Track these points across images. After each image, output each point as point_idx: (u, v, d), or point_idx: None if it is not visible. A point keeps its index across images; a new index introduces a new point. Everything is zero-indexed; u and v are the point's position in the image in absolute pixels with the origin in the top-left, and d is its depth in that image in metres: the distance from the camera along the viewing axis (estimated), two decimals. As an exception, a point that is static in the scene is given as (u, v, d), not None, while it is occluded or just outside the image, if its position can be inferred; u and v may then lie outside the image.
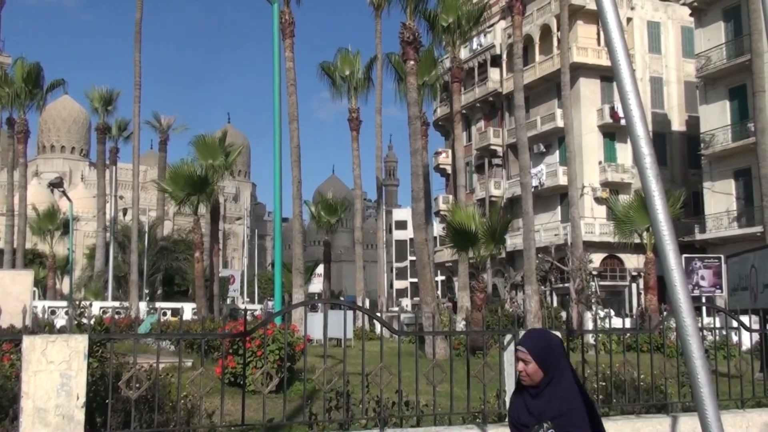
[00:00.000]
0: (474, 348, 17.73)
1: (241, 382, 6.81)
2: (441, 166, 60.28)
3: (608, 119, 46.93)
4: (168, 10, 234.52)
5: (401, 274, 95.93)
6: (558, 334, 7.20)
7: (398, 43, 26.25)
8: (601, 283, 44.99)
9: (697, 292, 27.65)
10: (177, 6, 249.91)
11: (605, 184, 47.33)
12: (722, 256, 28.57)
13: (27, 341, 5.31)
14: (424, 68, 32.96)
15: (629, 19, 49.40)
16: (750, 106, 35.80)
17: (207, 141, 33.58)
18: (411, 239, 59.78)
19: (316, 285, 53.85)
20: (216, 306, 34.15)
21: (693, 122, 45.98)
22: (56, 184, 42.74)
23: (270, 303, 45.92)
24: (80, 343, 5.39)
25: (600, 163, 48.00)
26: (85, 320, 8.97)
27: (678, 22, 49.89)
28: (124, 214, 61.54)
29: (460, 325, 25.58)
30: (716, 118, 40.91)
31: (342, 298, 69.28)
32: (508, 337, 7.16)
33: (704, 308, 23.54)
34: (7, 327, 12.11)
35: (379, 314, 8.03)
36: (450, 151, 47.73)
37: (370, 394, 6.84)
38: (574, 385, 3.47)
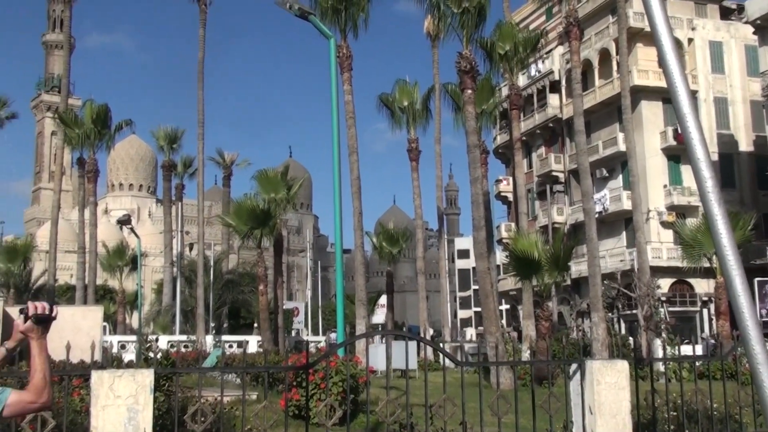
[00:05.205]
0: (539, 378, 17.44)
1: (305, 415, 6.81)
2: (502, 194, 59.88)
3: (672, 141, 46.07)
4: (228, 47, 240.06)
5: (465, 304, 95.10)
6: (626, 362, 7.04)
7: (455, 72, 26.31)
8: (671, 309, 43.85)
9: (771, 317, 26.76)
10: (237, 43, 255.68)
11: (671, 208, 46.34)
12: (797, 279, 27.63)
13: (95, 376, 5.42)
14: (482, 96, 32.93)
15: (690, 40, 48.62)
16: (821, 124, 34.76)
17: (269, 175, 34.08)
18: (474, 268, 59.40)
19: (379, 316, 53.78)
20: (281, 338, 34.37)
21: (761, 142, 44.80)
22: (124, 222, 43.71)
23: (333, 335, 46.04)
24: (146, 377, 5.48)
25: (665, 186, 47.09)
26: (151, 355, 9.13)
27: (741, 41, 48.89)
28: (191, 249, 62.64)
29: (525, 355, 25.19)
30: (785, 137, 39.82)
31: (406, 329, 69.03)
32: (574, 366, 7.02)
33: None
34: (78, 362, 12.36)
35: (442, 345, 7.97)
36: (511, 179, 47.44)
37: (434, 426, 6.78)
38: None
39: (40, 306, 3.16)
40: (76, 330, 15.29)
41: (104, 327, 34.74)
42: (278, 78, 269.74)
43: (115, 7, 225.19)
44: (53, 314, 3.17)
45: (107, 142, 45.82)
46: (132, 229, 43.73)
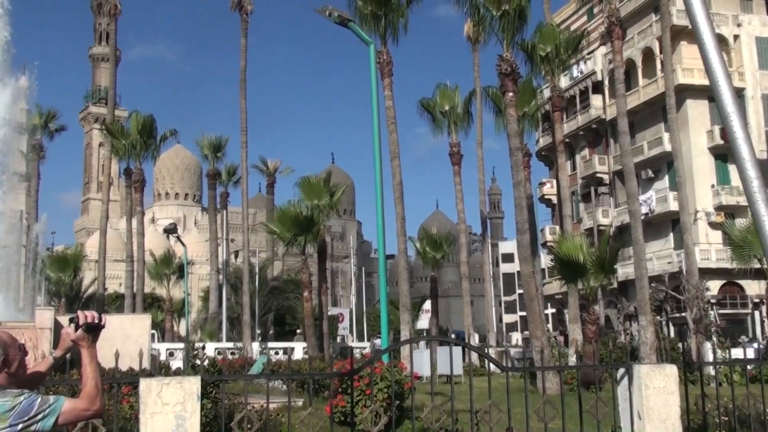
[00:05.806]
0: (587, 382, 17.23)
1: (351, 421, 6.82)
2: (546, 197, 59.39)
3: (719, 140, 45.21)
4: (269, 55, 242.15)
5: (510, 308, 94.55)
6: (674, 366, 6.93)
7: (496, 75, 26.16)
8: (721, 311, 43.02)
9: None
10: (278, 51, 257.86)
11: (719, 208, 45.49)
12: None
13: (143, 384, 5.50)
14: (524, 99, 32.71)
15: (736, 37, 47.73)
16: None
17: (312, 182, 34.24)
18: (518, 272, 59.04)
19: (424, 321, 53.70)
20: (326, 344, 34.48)
21: (812, 139, 43.77)
22: (171, 230, 44.23)
23: (377, 341, 46.08)
24: (193, 385, 5.54)
25: (713, 186, 46.26)
26: (198, 362, 9.24)
27: (789, 36, 47.88)
28: (236, 256, 63.29)
29: (572, 359, 24.93)
30: (838, 134, 38.83)
31: (452, 335, 68.76)
32: (622, 370, 6.93)
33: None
34: (127, 369, 12.55)
35: (486, 349, 7.93)
36: (554, 181, 47.03)
37: (480, 432, 6.74)
38: None
39: (90, 315, 3.23)
40: (125, 338, 15.53)
41: (152, 335, 35.20)
42: (320, 85, 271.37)
43: (158, 19, 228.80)
44: (102, 323, 3.24)
45: (153, 152, 46.50)
46: (178, 238, 44.28)
